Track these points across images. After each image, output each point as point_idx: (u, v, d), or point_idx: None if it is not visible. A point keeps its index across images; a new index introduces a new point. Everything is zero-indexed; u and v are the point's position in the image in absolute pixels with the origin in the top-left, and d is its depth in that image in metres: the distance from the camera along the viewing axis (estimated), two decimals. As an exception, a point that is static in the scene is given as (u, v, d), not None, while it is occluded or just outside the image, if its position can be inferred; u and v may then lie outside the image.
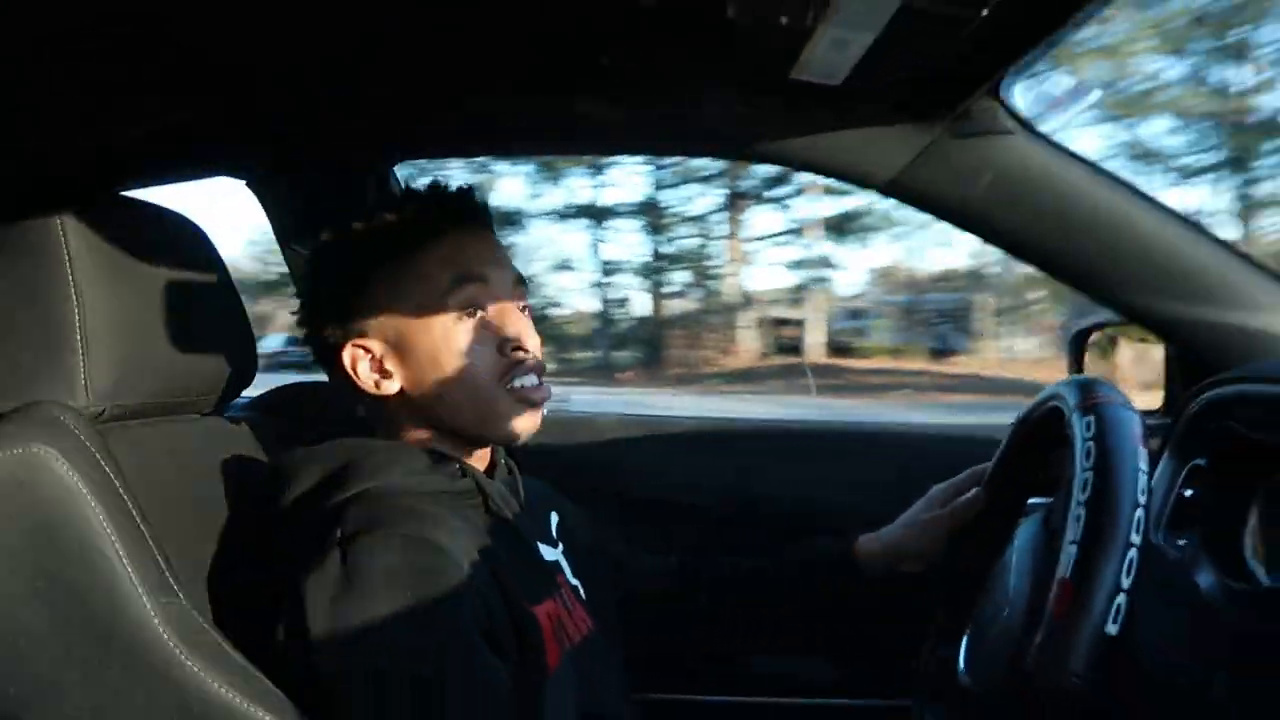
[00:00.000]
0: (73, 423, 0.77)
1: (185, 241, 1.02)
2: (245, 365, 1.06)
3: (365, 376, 0.92)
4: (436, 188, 0.94)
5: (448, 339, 0.90)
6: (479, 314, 0.91)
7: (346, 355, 0.91)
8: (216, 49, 0.87)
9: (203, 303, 1.00)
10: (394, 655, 0.76)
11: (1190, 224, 1.08)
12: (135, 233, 0.94)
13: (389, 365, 0.91)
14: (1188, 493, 0.96)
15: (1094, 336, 1.46)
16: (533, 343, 0.93)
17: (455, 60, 0.99)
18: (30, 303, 0.84)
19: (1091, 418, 0.75)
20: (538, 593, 0.90)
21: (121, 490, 0.76)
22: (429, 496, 0.86)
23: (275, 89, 1.02)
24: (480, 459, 0.97)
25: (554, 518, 1.06)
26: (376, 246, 0.91)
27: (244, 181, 1.34)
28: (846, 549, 1.11)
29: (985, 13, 0.77)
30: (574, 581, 1.00)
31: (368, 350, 0.92)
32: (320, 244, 0.95)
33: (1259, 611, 0.78)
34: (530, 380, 0.93)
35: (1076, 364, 1.44)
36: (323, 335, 0.93)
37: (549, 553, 0.99)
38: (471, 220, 0.94)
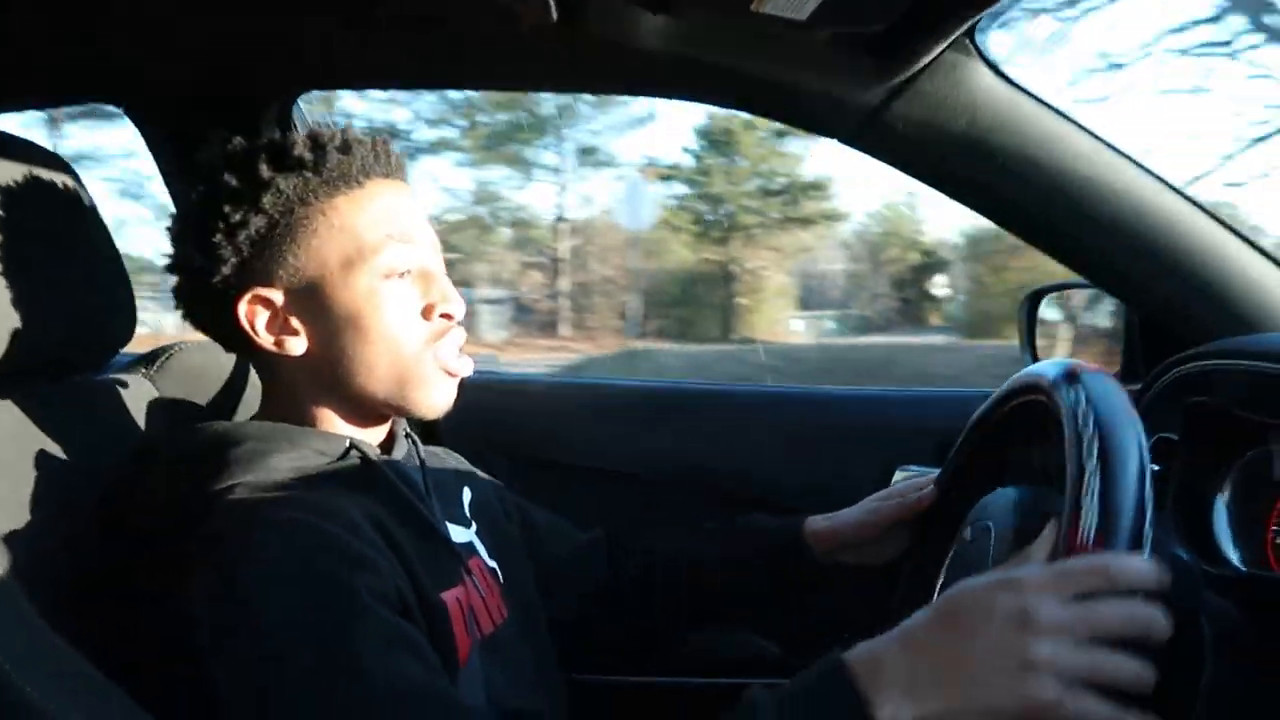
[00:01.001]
0: None
1: (55, 180, 0.89)
2: (124, 320, 0.94)
3: (264, 333, 0.81)
4: (352, 134, 0.83)
5: (371, 298, 0.81)
6: (405, 274, 0.83)
7: (243, 308, 0.80)
8: None
9: (77, 249, 0.89)
10: (297, 660, 0.67)
11: (1166, 183, 1.02)
12: (6, 173, 0.82)
13: (294, 322, 0.81)
14: (1155, 467, 0.92)
15: (1046, 299, 1.43)
16: (459, 309, 0.85)
17: None
18: None
19: (1080, 388, 0.69)
20: (445, 578, 0.82)
21: None
22: (310, 481, 0.78)
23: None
24: (376, 434, 0.89)
25: (466, 494, 0.98)
26: (292, 188, 0.79)
27: (122, 108, 1.19)
28: (795, 529, 1.05)
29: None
30: (491, 564, 0.93)
31: (269, 304, 0.81)
32: (216, 177, 0.81)
33: (1233, 597, 0.74)
34: (454, 349, 0.86)
35: (1029, 327, 1.41)
36: (209, 283, 0.80)
37: (459, 534, 0.91)
38: (396, 174, 0.85)
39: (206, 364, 1.06)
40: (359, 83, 1.23)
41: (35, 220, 0.82)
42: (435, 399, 0.85)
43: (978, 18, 0.93)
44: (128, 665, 0.70)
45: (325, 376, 0.83)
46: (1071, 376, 0.72)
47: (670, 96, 1.10)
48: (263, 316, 0.81)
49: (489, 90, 1.26)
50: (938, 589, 0.86)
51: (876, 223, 17.82)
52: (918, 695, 0.59)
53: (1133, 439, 0.64)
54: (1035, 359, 1.33)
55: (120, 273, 0.94)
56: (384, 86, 1.23)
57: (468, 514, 0.96)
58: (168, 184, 1.26)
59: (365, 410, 0.86)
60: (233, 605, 0.69)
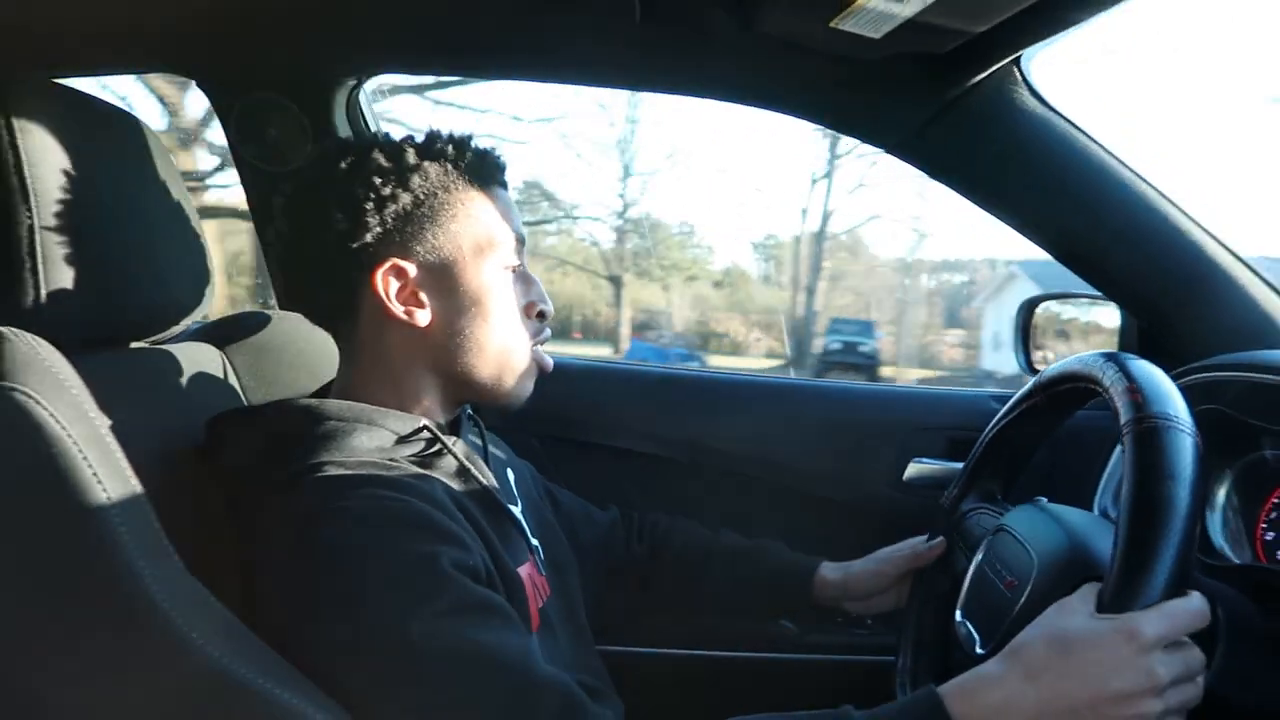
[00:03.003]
0: (48, 357, 0.65)
1: (138, 143, 0.91)
2: (201, 286, 0.96)
3: (395, 301, 0.85)
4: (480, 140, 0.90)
5: (494, 286, 0.87)
6: (515, 270, 0.90)
7: (380, 275, 0.84)
8: None
9: (158, 211, 0.90)
10: (391, 633, 0.70)
11: (1178, 206, 1.11)
12: (85, 129, 0.82)
13: (423, 295, 0.85)
14: None
15: (1040, 307, 1.52)
16: (550, 310, 0.93)
17: None
18: None
19: (1141, 440, 0.71)
20: (516, 554, 0.87)
21: (109, 439, 0.65)
22: (392, 460, 0.81)
23: None
24: (447, 416, 0.92)
25: (510, 474, 1.02)
26: (435, 174, 0.85)
27: (195, 81, 1.20)
28: (807, 573, 1.12)
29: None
30: (534, 542, 0.97)
31: (402, 274, 0.85)
32: (361, 149, 0.85)
33: (1236, 586, 0.82)
34: (543, 346, 0.93)
35: (1023, 334, 1.49)
36: (349, 247, 0.83)
37: (515, 513, 0.95)
38: (508, 183, 0.92)
39: (274, 335, 1.08)
40: (429, 69, 1.25)
41: (101, 178, 0.82)
42: (523, 388, 0.91)
43: (1025, 49, 1.01)
44: None
45: (438, 351, 0.87)
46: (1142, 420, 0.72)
47: (735, 101, 1.15)
48: (395, 286, 0.84)
49: (564, 84, 1.26)
50: (961, 598, 0.91)
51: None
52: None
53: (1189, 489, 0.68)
54: (1030, 365, 1.41)
55: (197, 240, 0.96)
56: (453, 74, 1.26)
57: (515, 493, 1.00)
58: (235, 155, 1.27)
59: (459, 389, 0.90)
60: (326, 579, 0.71)
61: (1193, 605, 0.67)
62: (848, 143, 13.93)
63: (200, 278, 0.96)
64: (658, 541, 1.17)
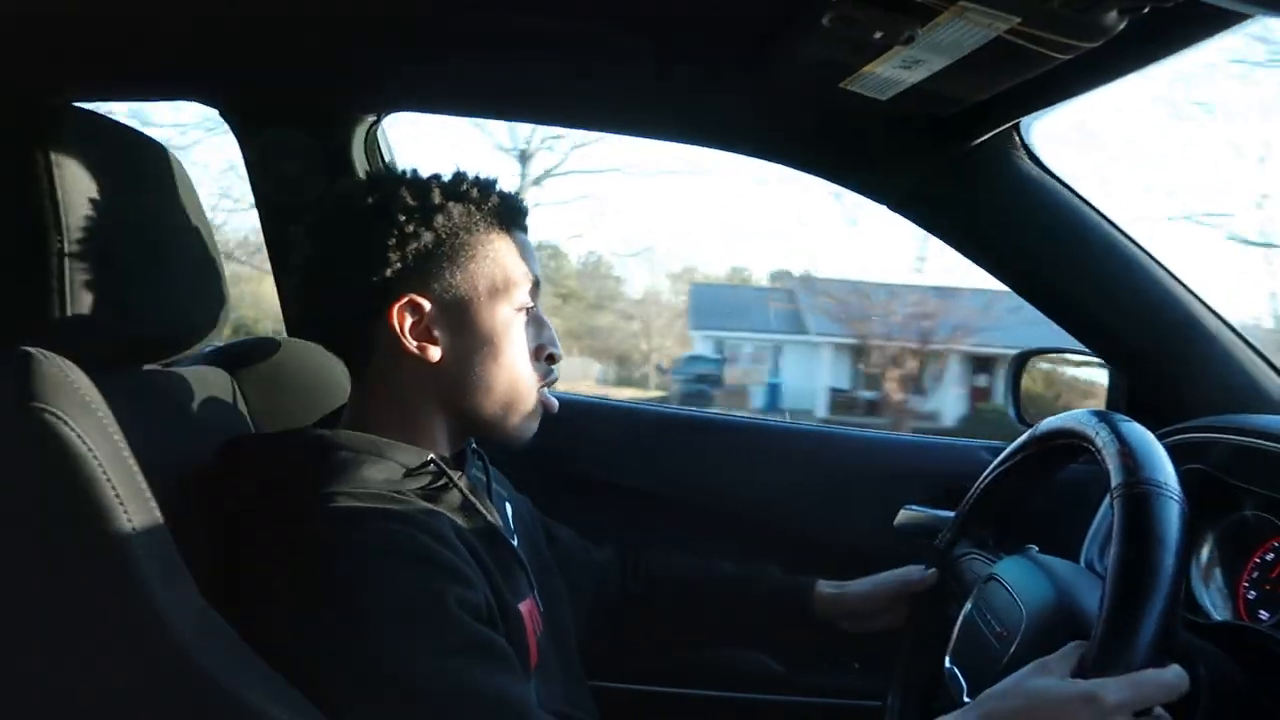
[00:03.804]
0: (76, 380, 0.67)
1: (163, 171, 0.93)
2: (216, 311, 0.98)
3: (409, 336, 0.87)
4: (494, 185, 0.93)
5: (508, 327, 0.89)
6: (530, 313, 0.92)
7: (396, 310, 0.86)
8: None
9: (180, 238, 0.92)
10: (395, 665, 0.72)
11: (1174, 276, 1.15)
12: (115, 157, 0.85)
13: (436, 331, 0.87)
14: None
15: (1032, 361, 1.55)
16: (560, 352, 0.95)
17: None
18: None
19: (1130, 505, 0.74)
20: (518, 589, 0.89)
21: (130, 459, 0.67)
22: (400, 493, 0.82)
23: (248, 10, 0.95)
24: (453, 449, 0.94)
25: (508, 508, 1.03)
26: (458, 215, 0.87)
27: (218, 111, 1.23)
28: (805, 591, 1.14)
29: (1070, 57, 0.79)
30: (534, 578, 0.99)
31: (418, 310, 0.87)
32: (388, 186, 0.88)
33: (1215, 642, 0.84)
34: (550, 388, 0.95)
35: (1014, 386, 1.52)
36: (369, 280, 0.86)
37: (516, 547, 0.97)
38: (528, 228, 0.95)
39: (284, 362, 1.10)
40: (444, 108, 1.29)
41: (125, 202, 0.84)
42: (528, 428, 0.93)
43: (1024, 116, 1.05)
44: None
45: (448, 387, 0.89)
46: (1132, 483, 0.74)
47: (743, 151, 1.19)
48: (410, 321, 0.87)
49: (573, 128, 1.30)
50: (952, 644, 0.93)
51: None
52: None
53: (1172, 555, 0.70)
54: (1021, 419, 1.44)
55: (213, 261, 0.97)
56: (470, 114, 1.29)
57: (512, 527, 1.01)
58: (253, 185, 1.30)
59: (466, 425, 0.92)
60: (333, 611, 0.73)
61: (1165, 677, 0.69)
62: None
63: (215, 302, 0.98)
64: (654, 575, 1.18)
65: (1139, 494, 0.72)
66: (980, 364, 14.59)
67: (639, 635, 1.19)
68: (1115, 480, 0.75)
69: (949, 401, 13.79)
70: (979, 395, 14.31)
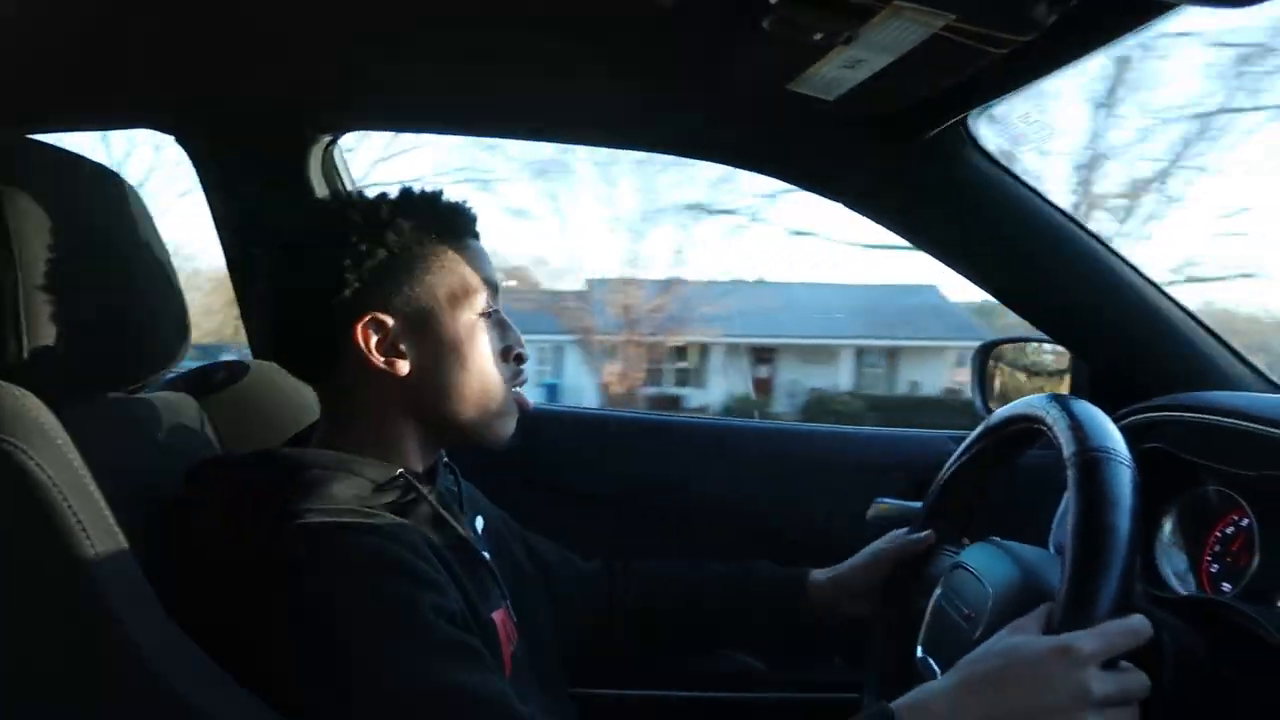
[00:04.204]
0: (34, 410, 0.67)
1: (118, 198, 0.93)
2: (178, 336, 0.97)
3: (375, 353, 0.87)
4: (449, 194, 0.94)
5: (472, 333, 0.90)
6: (491, 317, 0.93)
7: (360, 328, 0.87)
8: None
9: (138, 265, 0.92)
10: (377, 676, 0.72)
11: (1118, 254, 1.18)
12: (70, 186, 0.85)
13: (403, 346, 0.88)
14: None
15: (995, 350, 1.58)
16: (527, 352, 0.96)
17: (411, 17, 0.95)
18: None
19: (1083, 472, 0.77)
20: (489, 600, 0.89)
21: (94, 490, 0.67)
22: (371, 509, 0.83)
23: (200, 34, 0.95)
24: (426, 463, 0.94)
25: (479, 521, 1.04)
26: (409, 229, 0.88)
27: (173, 137, 1.23)
28: (799, 583, 1.14)
29: (1006, 51, 0.80)
30: (503, 587, 0.99)
31: (382, 326, 0.87)
32: (337, 208, 0.90)
33: (1183, 618, 0.86)
34: (521, 388, 0.96)
35: (979, 376, 1.55)
36: (329, 304, 0.87)
37: (488, 559, 0.97)
38: (479, 233, 0.96)
39: (252, 384, 1.10)
40: (400, 125, 1.29)
41: (83, 232, 0.84)
42: (506, 429, 0.93)
43: (970, 110, 1.07)
44: None
45: (419, 399, 0.89)
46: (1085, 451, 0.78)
47: (700, 159, 1.21)
48: (375, 338, 0.87)
49: (526, 139, 1.31)
50: (922, 634, 0.94)
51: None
52: None
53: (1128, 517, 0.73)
54: (987, 407, 1.46)
55: (173, 286, 0.97)
56: (425, 130, 1.30)
57: (483, 539, 1.01)
58: (211, 209, 1.30)
59: (441, 435, 0.92)
60: (308, 627, 0.73)
61: (1131, 624, 0.71)
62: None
63: (178, 328, 0.97)
64: (645, 580, 1.17)
65: (1090, 460, 0.75)
66: (760, 355, 14.71)
67: (633, 643, 1.18)
68: (1067, 451, 0.77)
69: (722, 393, 13.89)
70: (761, 386, 14.46)
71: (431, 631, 0.75)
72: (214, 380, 1.09)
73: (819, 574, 1.14)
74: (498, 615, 0.89)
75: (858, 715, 0.77)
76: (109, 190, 0.92)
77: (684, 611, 1.16)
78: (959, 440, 1.15)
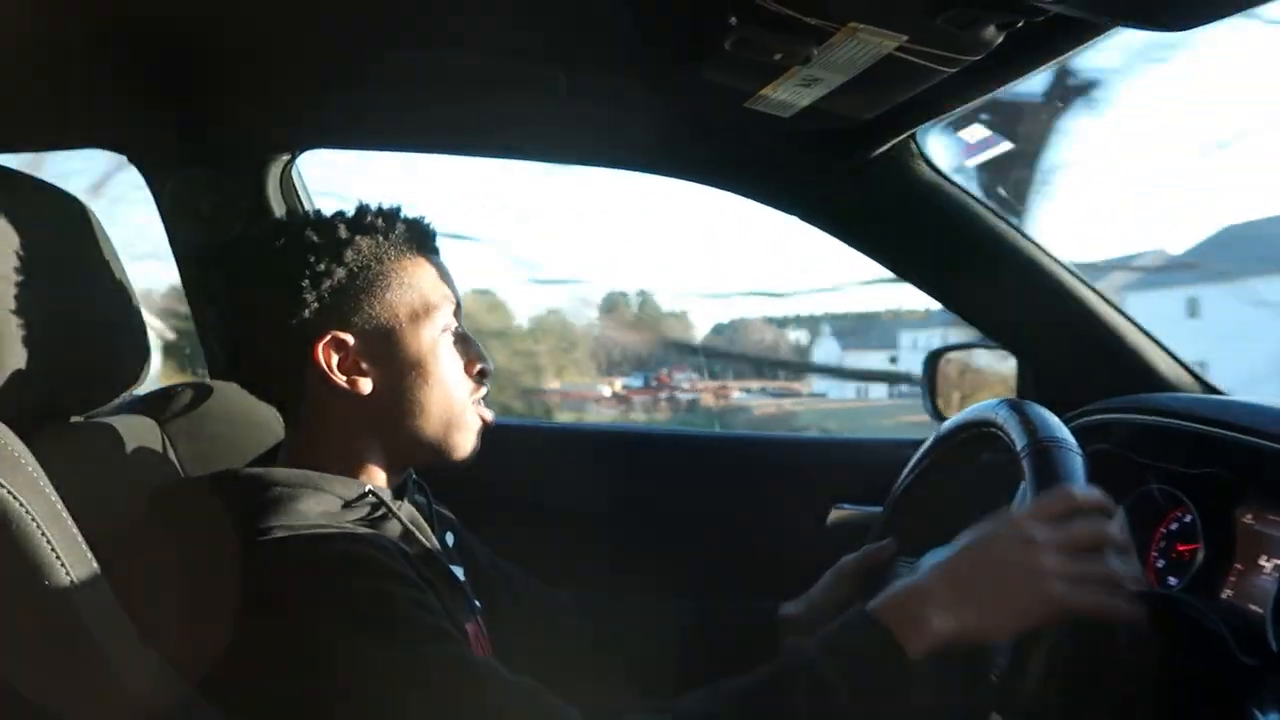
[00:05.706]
0: (4, 438, 0.66)
1: (74, 222, 0.92)
2: (139, 360, 0.97)
3: (338, 372, 0.87)
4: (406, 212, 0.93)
5: (434, 349, 0.90)
6: (453, 333, 0.93)
7: (321, 347, 0.86)
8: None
9: (98, 288, 0.91)
10: (367, 671, 0.72)
11: (1062, 263, 1.22)
12: (25, 212, 0.83)
13: (364, 364, 0.88)
14: None
15: (945, 357, 1.62)
16: (490, 367, 0.95)
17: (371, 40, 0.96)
18: None
19: (1037, 460, 0.81)
20: (461, 614, 0.89)
21: (65, 514, 0.66)
22: (339, 524, 0.83)
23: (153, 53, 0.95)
24: (393, 481, 0.94)
25: (449, 538, 1.04)
26: (368, 247, 0.88)
27: (127, 157, 1.21)
28: (770, 613, 1.13)
29: (956, 70, 0.84)
30: (476, 603, 0.99)
31: (343, 345, 0.87)
32: (294, 228, 0.88)
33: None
34: (484, 402, 0.95)
35: (930, 382, 1.58)
36: (289, 324, 0.86)
37: (458, 573, 0.97)
38: (438, 249, 0.96)
39: (213, 406, 1.09)
40: (360, 144, 1.29)
41: (43, 257, 0.83)
42: (470, 444, 0.93)
43: (919, 126, 1.11)
44: None
45: (383, 416, 0.89)
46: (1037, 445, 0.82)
47: (656, 171, 1.22)
48: (336, 357, 0.87)
49: (494, 158, 1.30)
50: None
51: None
52: (959, 613, 0.76)
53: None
54: (938, 412, 1.50)
55: (133, 310, 0.96)
56: (385, 149, 1.29)
57: (458, 556, 1.01)
58: (167, 230, 1.28)
59: (406, 452, 0.92)
60: (290, 639, 0.73)
61: (1072, 489, 0.77)
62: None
63: (138, 352, 0.97)
64: (615, 626, 1.15)
65: (1042, 448, 0.79)
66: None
67: (596, 675, 1.17)
68: (1019, 444, 0.81)
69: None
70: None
71: (413, 618, 0.75)
72: (176, 403, 1.08)
73: (789, 606, 1.13)
74: (470, 629, 0.89)
75: (836, 621, 0.81)
76: (67, 213, 0.91)
77: (653, 656, 1.12)
78: (915, 445, 1.18)
